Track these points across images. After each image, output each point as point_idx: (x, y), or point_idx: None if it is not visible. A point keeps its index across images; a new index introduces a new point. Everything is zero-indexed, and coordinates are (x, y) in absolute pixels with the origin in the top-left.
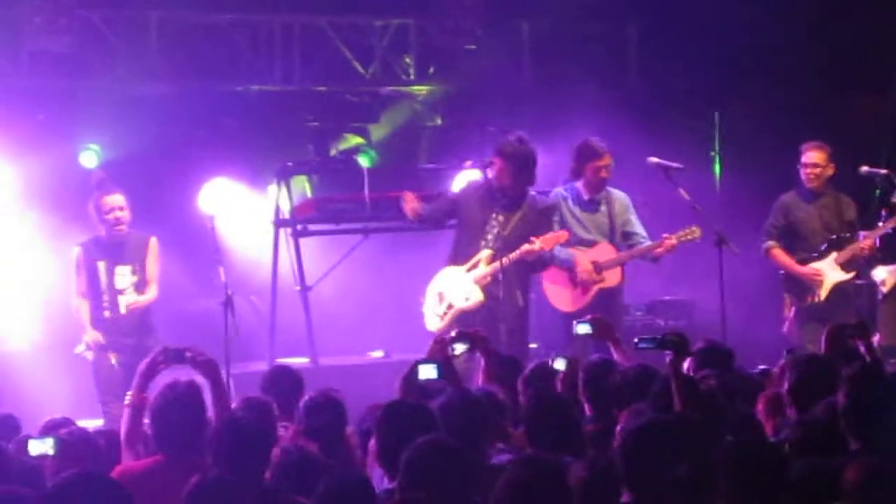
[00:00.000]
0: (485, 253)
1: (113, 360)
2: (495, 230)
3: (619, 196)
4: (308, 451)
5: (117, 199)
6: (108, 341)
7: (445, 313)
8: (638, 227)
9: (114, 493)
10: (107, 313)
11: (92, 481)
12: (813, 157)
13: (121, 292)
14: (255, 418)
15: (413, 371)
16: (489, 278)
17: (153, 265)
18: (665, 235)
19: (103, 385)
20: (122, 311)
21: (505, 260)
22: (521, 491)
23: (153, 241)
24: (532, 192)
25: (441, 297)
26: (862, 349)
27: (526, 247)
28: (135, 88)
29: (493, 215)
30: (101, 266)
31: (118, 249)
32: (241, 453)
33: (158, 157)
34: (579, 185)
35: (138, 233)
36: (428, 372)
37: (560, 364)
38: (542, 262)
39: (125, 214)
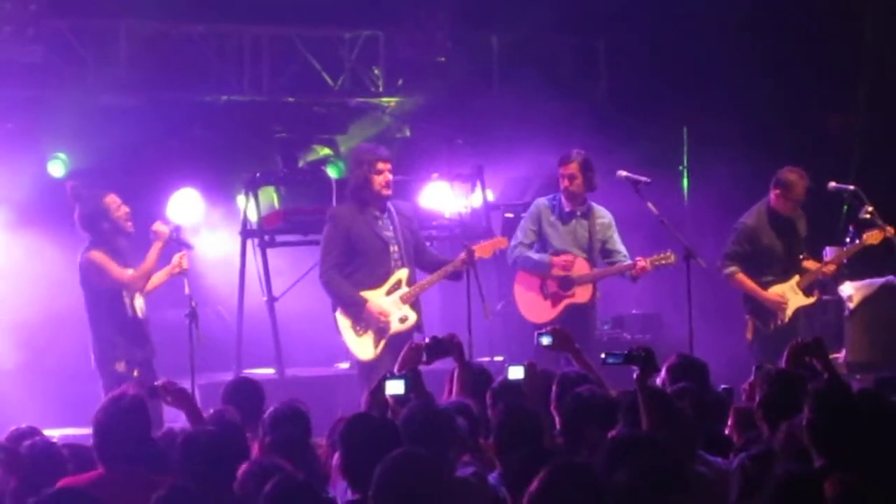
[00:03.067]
0: (403, 272)
1: (136, 374)
2: (396, 245)
3: (601, 213)
4: (280, 464)
5: (116, 196)
6: (134, 355)
7: (379, 339)
8: (619, 245)
9: None
10: (138, 310)
11: (71, 498)
12: (803, 188)
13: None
14: (227, 432)
15: (380, 386)
16: (415, 296)
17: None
18: (639, 258)
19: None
20: (140, 315)
21: (435, 277)
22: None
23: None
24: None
25: (369, 324)
26: (818, 367)
27: (460, 259)
28: (103, 98)
29: (382, 230)
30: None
31: (121, 252)
32: (212, 466)
33: (127, 166)
34: (562, 195)
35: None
36: (395, 387)
37: (516, 373)
38: (457, 274)
39: (129, 210)
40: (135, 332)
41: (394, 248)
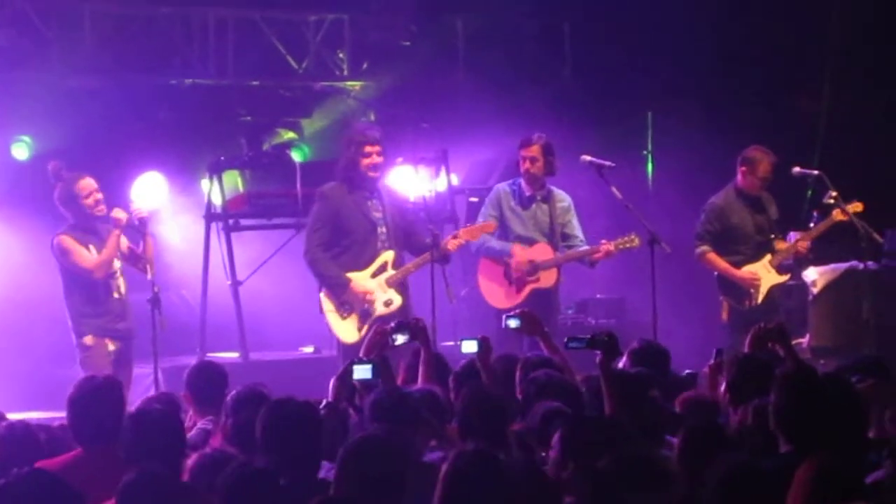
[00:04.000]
0: (389, 255)
1: (111, 348)
2: (384, 227)
3: (561, 196)
4: (229, 454)
5: (91, 181)
6: (105, 328)
7: (363, 322)
8: (577, 231)
9: (61, 491)
10: (116, 294)
11: (38, 480)
12: (769, 168)
13: (112, 276)
14: (163, 409)
15: (347, 371)
16: (401, 279)
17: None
18: (603, 241)
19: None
20: (116, 295)
21: (421, 260)
22: (459, 483)
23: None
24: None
25: (353, 306)
26: (781, 353)
27: (450, 242)
28: (68, 80)
29: (370, 211)
30: (93, 250)
31: (100, 234)
32: (152, 444)
33: (91, 149)
34: (521, 180)
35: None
36: (363, 372)
37: (470, 346)
38: (445, 256)
39: (101, 196)
40: (108, 308)
41: (381, 230)
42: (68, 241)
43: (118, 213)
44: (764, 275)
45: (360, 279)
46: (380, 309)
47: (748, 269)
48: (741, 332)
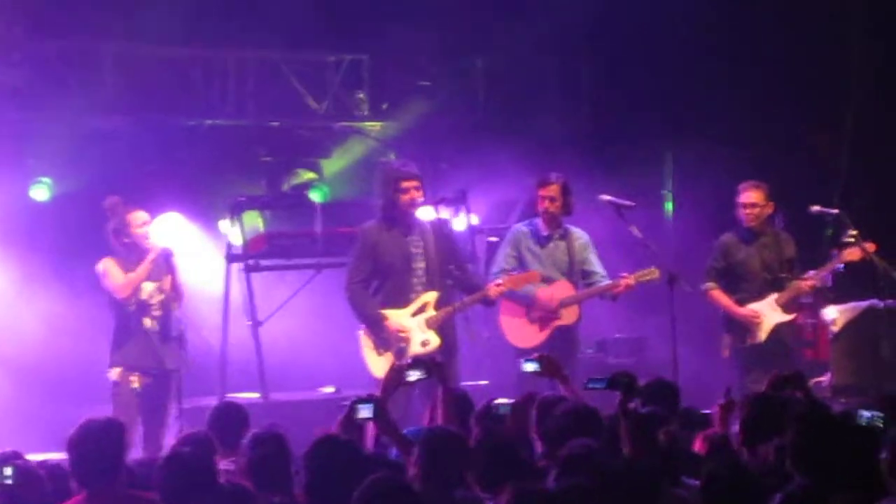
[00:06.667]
0: (431, 295)
1: (135, 385)
2: (423, 263)
3: (578, 234)
4: (243, 486)
5: (145, 214)
6: (129, 362)
7: (398, 360)
8: (597, 266)
9: None
10: (148, 325)
11: None
12: (751, 196)
13: (145, 308)
14: (196, 452)
15: (352, 409)
16: (441, 321)
17: (179, 277)
18: (623, 275)
19: (121, 409)
20: (148, 326)
21: (463, 303)
22: None
23: (176, 254)
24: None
25: (390, 344)
26: (800, 396)
27: (493, 289)
28: (88, 122)
29: (409, 247)
30: None
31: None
32: (185, 486)
33: (111, 190)
34: (538, 220)
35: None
36: (365, 411)
37: (503, 409)
38: (487, 300)
39: (151, 231)
40: (135, 340)
41: (418, 266)
42: (108, 263)
43: (154, 244)
44: (768, 313)
45: (399, 317)
46: (415, 349)
47: (751, 307)
48: (743, 369)
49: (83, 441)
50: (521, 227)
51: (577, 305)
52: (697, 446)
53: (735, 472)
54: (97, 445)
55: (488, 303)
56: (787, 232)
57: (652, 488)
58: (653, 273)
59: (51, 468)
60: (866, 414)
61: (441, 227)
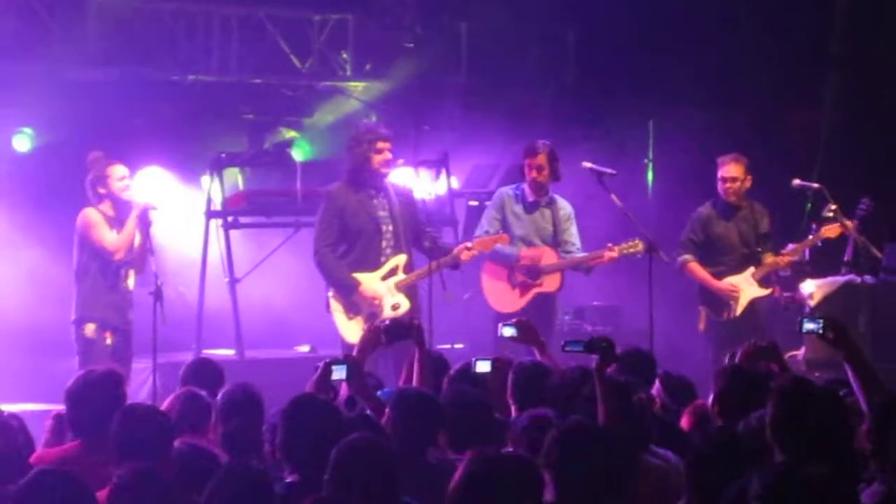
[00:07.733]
0: (401, 258)
1: (109, 342)
2: (390, 225)
3: (563, 203)
4: (205, 448)
5: (124, 168)
6: (106, 321)
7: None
8: (575, 239)
9: (73, 486)
10: (125, 284)
11: (52, 478)
12: (731, 170)
13: (125, 264)
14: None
15: (325, 370)
16: (411, 283)
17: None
18: (609, 245)
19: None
20: (125, 286)
21: (435, 265)
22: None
23: (155, 209)
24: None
25: (360, 308)
26: (776, 369)
27: (464, 252)
28: (71, 73)
29: (376, 210)
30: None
31: (124, 223)
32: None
33: (92, 142)
34: (525, 185)
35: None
36: (339, 372)
37: (483, 366)
38: (455, 264)
39: (130, 184)
40: (114, 299)
41: (387, 229)
42: (95, 216)
43: (136, 197)
44: (744, 287)
45: (370, 281)
46: (387, 312)
47: (728, 281)
48: (718, 343)
49: (82, 391)
50: (507, 191)
51: (560, 273)
52: (684, 422)
53: (724, 444)
54: (96, 396)
55: (456, 266)
56: (762, 205)
57: (629, 455)
58: (636, 246)
59: (23, 420)
60: (812, 325)
61: (406, 193)
